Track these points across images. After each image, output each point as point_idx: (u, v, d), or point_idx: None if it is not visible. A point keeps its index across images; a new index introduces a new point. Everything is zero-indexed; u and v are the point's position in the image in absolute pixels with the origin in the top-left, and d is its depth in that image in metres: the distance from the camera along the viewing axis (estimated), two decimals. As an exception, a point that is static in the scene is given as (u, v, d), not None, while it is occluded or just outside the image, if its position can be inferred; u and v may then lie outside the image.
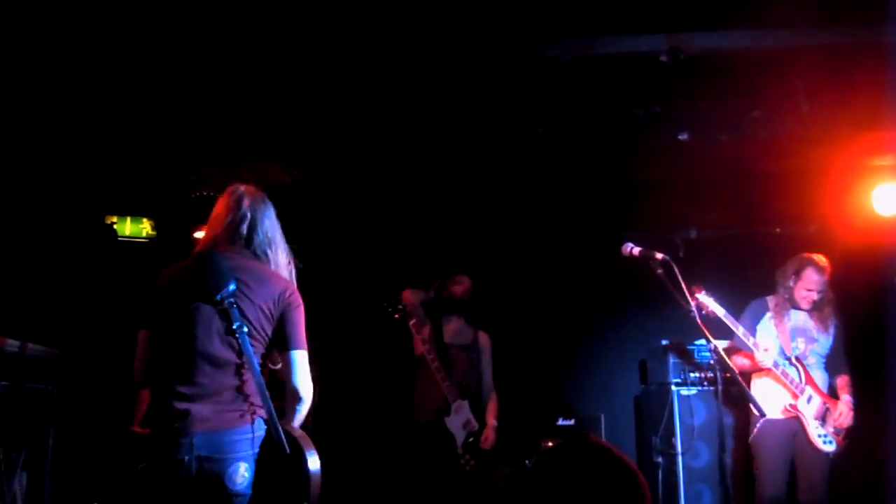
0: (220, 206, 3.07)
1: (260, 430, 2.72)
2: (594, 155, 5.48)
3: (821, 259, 4.72)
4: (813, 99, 4.61)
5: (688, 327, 4.51)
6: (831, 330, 4.78)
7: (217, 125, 5.09)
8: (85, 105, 4.77)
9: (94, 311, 5.68)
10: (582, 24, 4.13)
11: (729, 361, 4.10)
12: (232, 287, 2.78)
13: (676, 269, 3.76)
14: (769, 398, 4.55)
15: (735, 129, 4.99)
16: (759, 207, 6.03)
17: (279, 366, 2.98)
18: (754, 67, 4.36)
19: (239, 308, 2.78)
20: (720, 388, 4.04)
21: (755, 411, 4.33)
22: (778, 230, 6.37)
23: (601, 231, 6.39)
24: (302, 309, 2.97)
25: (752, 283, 5.35)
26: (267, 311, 2.85)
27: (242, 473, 2.63)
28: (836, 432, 4.60)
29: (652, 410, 6.14)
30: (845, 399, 4.70)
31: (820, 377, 4.73)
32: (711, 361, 3.91)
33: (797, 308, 4.75)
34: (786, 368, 4.57)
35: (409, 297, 5.31)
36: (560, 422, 6.12)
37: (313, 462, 2.74)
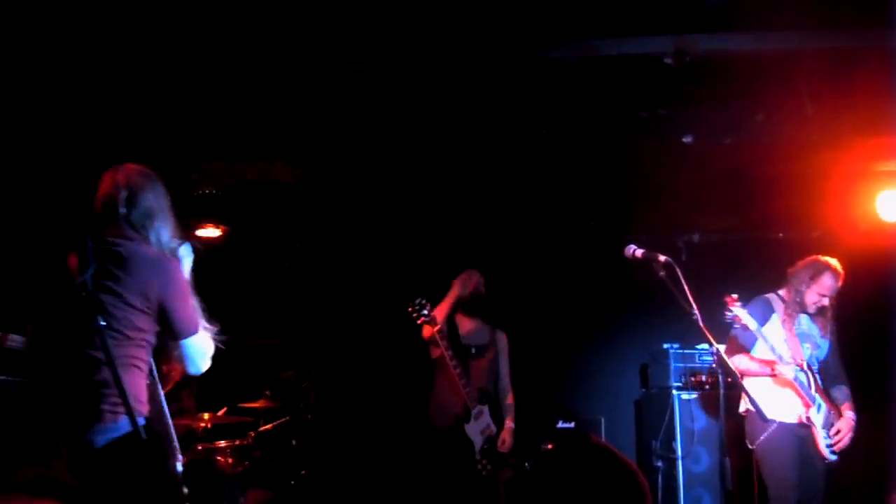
0: (101, 186, 2.95)
1: (126, 428, 2.64)
2: (597, 157, 5.46)
3: (838, 265, 4.65)
4: (817, 103, 4.59)
5: (690, 331, 4.49)
6: (829, 336, 4.73)
7: (219, 123, 5.09)
8: (87, 104, 4.76)
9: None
10: (586, 25, 4.12)
11: (731, 364, 4.07)
12: (90, 275, 2.68)
13: (679, 272, 3.73)
14: (777, 402, 4.46)
15: (739, 132, 4.97)
16: (762, 212, 6.02)
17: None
18: (758, 70, 4.34)
19: (100, 300, 2.67)
20: (722, 391, 4.02)
21: (758, 416, 4.27)
22: (781, 235, 6.36)
23: (604, 234, 6.38)
24: (181, 291, 2.84)
25: (754, 287, 5.30)
26: (137, 304, 2.72)
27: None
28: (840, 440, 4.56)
29: (652, 414, 6.13)
30: (848, 417, 4.61)
31: (821, 380, 4.69)
32: (713, 365, 3.86)
33: (804, 311, 4.68)
34: (798, 375, 4.52)
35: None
36: (560, 424, 6.11)
37: (175, 463, 2.79)
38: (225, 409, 5.34)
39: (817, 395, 4.53)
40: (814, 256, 4.72)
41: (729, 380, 4.08)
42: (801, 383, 4.48)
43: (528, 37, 4.20)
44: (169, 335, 2.84)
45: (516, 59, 4.32)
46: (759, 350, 4.61)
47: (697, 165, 5.34)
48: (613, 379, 6.68)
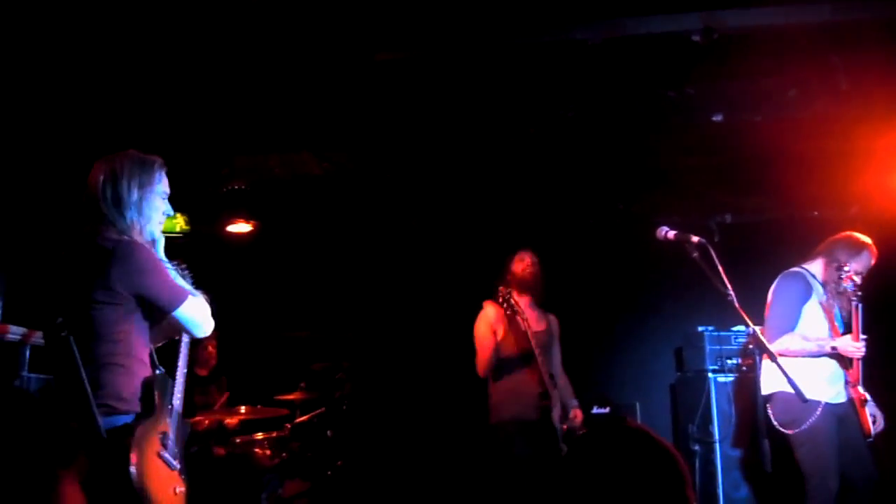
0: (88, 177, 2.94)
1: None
2: (626, 139, 5.40)
3: (872, 244, 4.56)
4: (851, 76, 4.49)
5: (724, 313, 4.41)
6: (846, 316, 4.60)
7: (247, 118, 5.11)
8: (117, 101, 4.81)
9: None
10: (611, 4, 4.06)
11: (782, 346, 3.97)
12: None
13: (713, 253, 3.68)
14: (818, 382, 4.29)
15: (771, 109, 4.88)
16: (797, 190, 5.90)
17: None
18: (790, 45, 4.24)
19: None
20: (759, 373, 3.94)
21: (817, 396, 4.14)
22: (816, 213, 6.25)
23: (634, 217, 6.32)
24: (150, 269, 2.74)
25: (789, 267, 5.23)
26: (100, 299, 2.67)
27: None
28: (873, 413, 4.43)
29: (688, 398, 6.07)
30: (871, 403, 4.44)
31: None
32: (750, 346, 3.78)
33: (837, 285, 4.53)
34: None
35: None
36: (595, 410, 6.07)
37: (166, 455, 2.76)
38: (248, 407, 5.35)
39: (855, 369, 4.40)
40: (847, 234, 4.58)
41: (766, 359, 3.99)
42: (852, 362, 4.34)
43: (552, 19, 4.16)
44: (159, 312, 2.81)
45: (541, 42, 4.28)
46: (805, 327, 4.44)
47: (728, 145, 5.26)
48: (648, 363, 6.63)
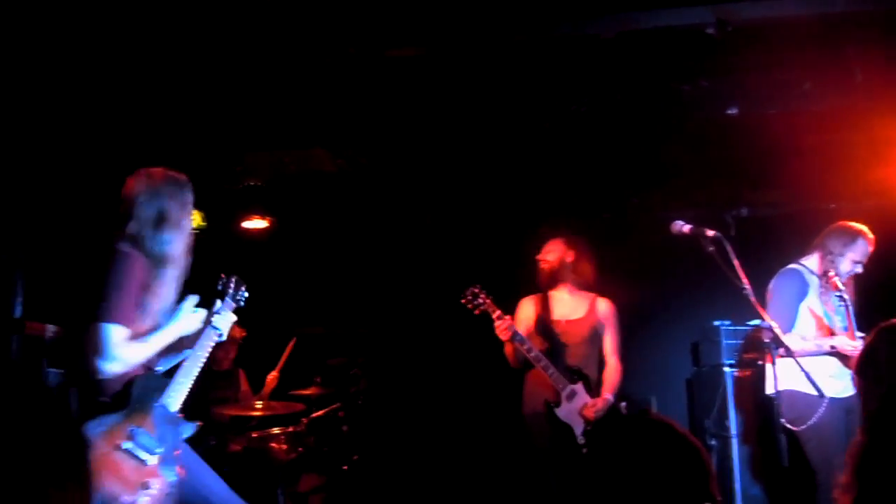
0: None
1: None
2: (640, 133, 5.38)
3: (867, 230, 4.53)
4: (867, 68, 4.46)
5: (741, 308, 4.39)
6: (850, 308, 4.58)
7: (261, 115, 5.14)
8: (132, 98, 4.84)
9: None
10: (624, -2, 4.06)
11: (785, 340, 3.97)
12: None
13: (729, 247, 3.66)
14: (824, 378, 4.30)
15: (786, 102, 4.85)
16: (813, 183, 5.86)
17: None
18: (805, 37, 4.21)
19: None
20: (776, 368, 3.93)
21: (815, 393, 4.15)
22: (833, 206, 6.18)
23: (649, 211, 6.29)
24: (113, 278, 2.87)
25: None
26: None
27: None
28: None
29: (704, 393, 6.05)
30: None
31: None
32: (766, 340, 3.77)
33: (835, 278, 4.51)
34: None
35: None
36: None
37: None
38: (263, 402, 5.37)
39: None
40: (841, 223, 4.56)
41: (783, 354, 3.97)
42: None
43: (565, 13, 4.15)
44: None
45: (554, 36, 4.27)
46: (803, 326, 4.46)
47: (743, 138, 5.23)
48: (664, 358, 6.59)
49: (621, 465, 1.72)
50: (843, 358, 4.36)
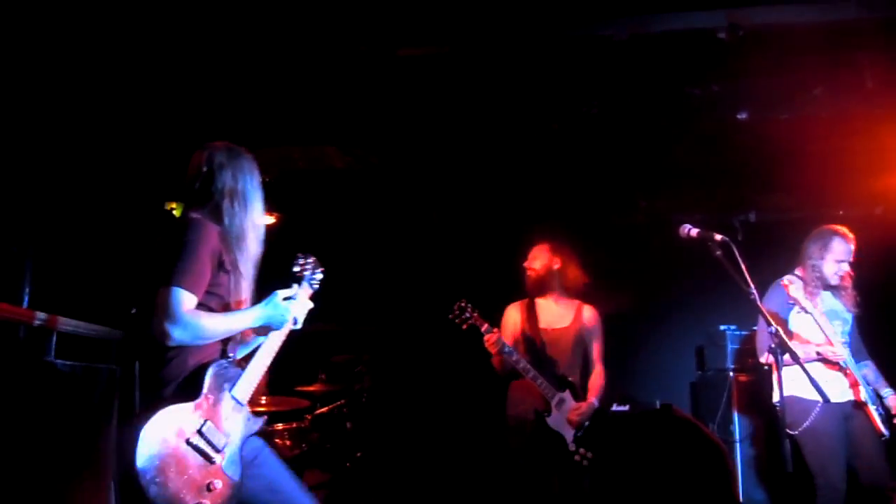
0: (189, 164, 2.97)
1: None
2: (650, 136, 5.38)
3: (845, 230, 4.55)
4: (877, 75, 4.46)
5: (746, 312, 4.40)
6: (854, 310, 4.60)
7: (271, 111, 5.15)
8: (142, 93, 4.86)
9: (154, 294, 5.80)
10: (637, 1, 4.05)
11: (791, 346, 3.97)
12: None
13: (736, 250, 3.66)
14: (825, 382, 4.33)
15: (796, 107, 4.85)
16: (822, 189, 5.86)
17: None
18: (816, 43, 4.22)
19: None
20: (781, 372, 3.93)
21: (815, 395, 4.17)
22: (841, 212, 6.18)
23: (657, 214, 6.29)
24: (183, 243, 2.69)
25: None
26: None
27: None
28: (882, 413, 4.45)
29: (709, 397, 6.05)
30: (865, 364, 4.56)
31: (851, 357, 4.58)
32: (772, 345, 3.77)
33: (827, 285, 4.56)
34: (848, 362, 4.42)
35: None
36: (615, 408, 6.05)
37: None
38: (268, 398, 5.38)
39: (857, 372, 4.42)
40: (816, 229, 4.60)
41: (788, 360, 3.98)
42: (850, 366, 4.37)
43: (577, 15, 4.16)
44: (208, 293, 2.77)
45: (566, 38, 4.27)
46: (800, 327, 4.47)
47: (753, 142, 5.23)
48: (669, 361, 6.60)
49: (644, 460, 1.67)
50: (830, 364, 4.41)
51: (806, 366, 4.26)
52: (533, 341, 4.84)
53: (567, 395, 4.74)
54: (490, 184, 6.16)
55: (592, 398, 4.80)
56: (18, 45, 4.22)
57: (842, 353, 4.36)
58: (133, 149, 5.46)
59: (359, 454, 5.39)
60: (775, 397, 3.93)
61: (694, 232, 3.81)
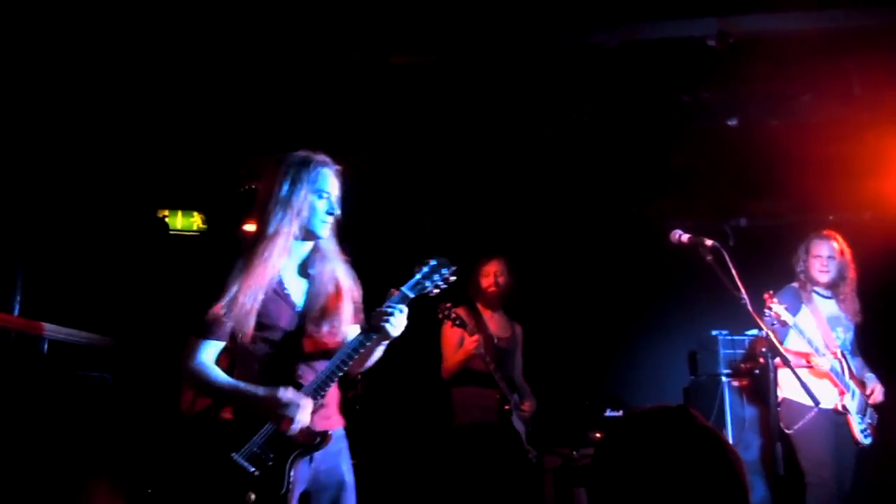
0: None
1: None
2: (641, 142, 5.41)
3: (826, 232, 4.70)
4: (865, 81, 4.50)
5: (738, 318, 4.42)
6: (856, 318, 4.67)
7: (264, 119, 5.16)
8: (136, 101, 4.87)
9: (147, 302, 5.80)
10: (627, 8, 4.08)
11: (783, 350, 4.01)
12: None
13: (727, 256, 3.69)
14: (813, 390, 4.41)
15: (785, 113, 4.90)
16: (812, 194, 5.90)
17: None
18: (804, 50, 4.26)
19: None
20: (773, 375, 3.96)
21: (810, 399, 4.22)
22: (831, 218, 6.22)
23: (649, 220, 6.32)
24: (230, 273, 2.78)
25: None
26: None
27: None
28: (872, 424, 4.54)
29: (702, 402, 6.06)
30: (871, 376, 4.66)
31: (854, 365, 4.65)
32: (763, 349, 3.80)
33: (816, 285, 4.64)
34: (834, 368, 4.49)
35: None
36: (608, 413, 6.07)
37: None
38: None
39: (851, 382, 4.51)
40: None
41: (778, 363, 4.01)
42: (835, 372, 4.46)
43: (568, 22, 4.19)
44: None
45: (557, 45, 4.30)
46: (793, 341, 4.58)
47: (743, 148, 5.27)
48: (661, 367, 6.62)
49: (653, 455, 1.59)
50: (837, 374, 4.51)
51: (800, 370, 4.37)
52: (489, 346, 4.96)
53: (516, 396, 4.98)
54: (483, 190, 6.18)
55: (532, 399, 5.08)
56: (12, 54, 4.22)
57: (821, 363, 4.43)
58: (126, 156, 5.46)
59: (354, 461, 5.38)
60: (771, 399, 3.98)
61: (685, 237, 3.84)
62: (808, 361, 4.45)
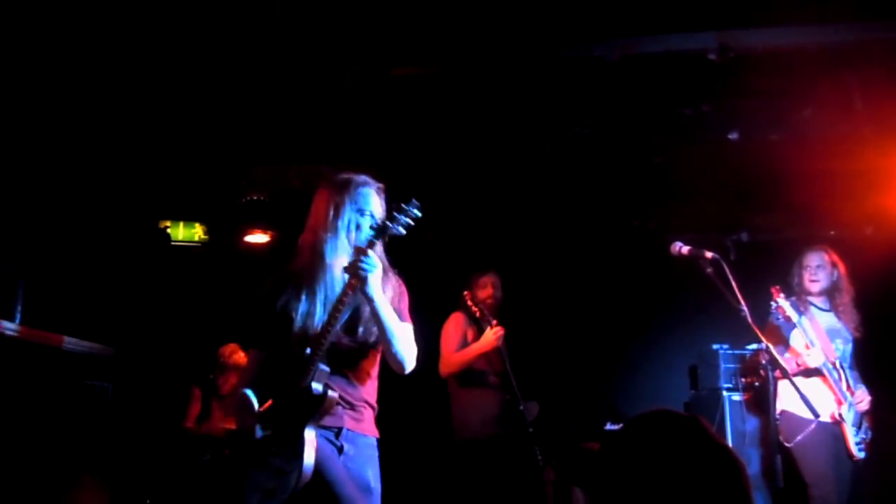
0: None
1: None
2: (642, 156, 5.42)
3: (819, 246, 4.77)
4: (867, 96, 4.51)
5: (739, 331, 4.43)
6: (856, 332, 4.69)
7: (266, 130, 5.17)
8: (138, 112, 4.88)
9: (149, 312, 5.81)
10: (629, 22, 4.10)
11: (783, 362, 4.02)
12: None
13: (727, 268, 3.69)
14: (813, 401, 4.42)
15: (786, 128, 4.90)
16: (812, 209, 5.90)
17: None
18: (806, 64, 4.27)
19: None
20: (773, 388, 3.96)
21: (809, 412, 4.22)
22: (832, 233, 6.22)
23: (649, 234, 6.32)
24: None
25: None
26: None
27: None
28: (866, 439, 4.54)
29: (703, 417, 6.03)
30: (862, 386, 4.66)
31: (851, 377, 4.65)
32: (763, 361, 3.80)
33: (810, 296, 4.68)
34: (830, 372, 4.49)
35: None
36: (608, 426, 6.05)
37: None
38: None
39: (848, 393, 4.50)
40: None
41: (778, 375, 4.02)
42: (833, 380, 4.45)
43: (569, 36, 4.20)
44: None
45: (559, 58, 4.32)
46: (796, 341, 4.57)
47: (744, 163, 5.27)
48: (662, 380, 6.60)
49: (657, 461, 1.58)
50: (836, 382, 4.50)
51: (801, 381, 4.39)
52: (495, 352, 4.96)
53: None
54: (483, 202, 6.18)
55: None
56: (15, 64, 4.25)
57: (812, 357, 4.43)
58: (128, 167, 5.47)
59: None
60: (771, 412, 4.00)
61: (685, 249, 3.85)
62: (798, 361, 4.43)
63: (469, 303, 4.99)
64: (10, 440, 3.78)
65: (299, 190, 6.00)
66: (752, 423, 5.68)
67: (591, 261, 6.66)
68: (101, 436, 4.53)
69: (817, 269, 4.68)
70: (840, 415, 4.46)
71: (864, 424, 4.59)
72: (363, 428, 2.92)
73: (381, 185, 3.10)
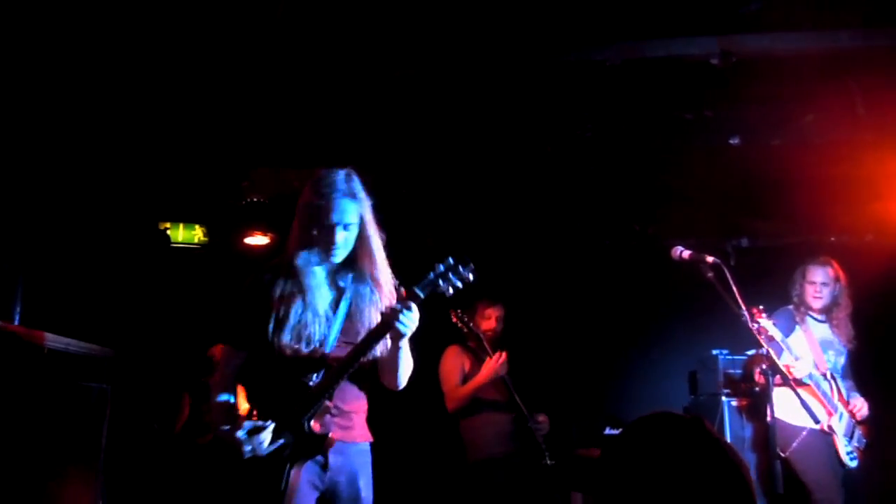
0: None
1: None
2: (643, 160, 5.42)
3: (823, 258, 4.76)
4: (869, 102, 4.51)
5: (739, 336, 4.42)
6: (850, 344, 4.70)
7: (266, 132, 5.17)
8: (138, 113, 4.88)
9: (148, 314, 5.80)
10: (631, 26, 4.10)
11: (782, 367, 4.01)
12: None
13: (728, 273, 3.69)
14: (803, 410, 4.41)
15: (788, 133, 4.90)
16: (813, 215, 5.89)
17: None
18: (808, 70, 4.27)
19: None
20: (772, 394, 3.94)
21: (799, 420, 4.22)
22: (833, 239, 6.22)
23: (650, 239, 6.31)
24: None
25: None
26: None
27: None
28: (859, 447, 4.55)
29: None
30: (857, 395, 4.70)
31: (844, 387, 4.67)
32: (763, 367, 3.79)
33: (810, 310, 4.67)
34: (820, 383, 4.50)
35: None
36: (607, 431, 6.04)
37: None
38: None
39: (839, 404, 4.51)
40: None
41: (778, 381, 4.00)
42: (823, 392, 4.47)
43: (572, 39, 4.20)
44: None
45: (560, 62, 4.32)
46: (784, 355, 4.56)
47: (745, 168, 5.27)
48: (661, 386, 6.59)
49: (660, 464, 1.57)
50: (825, 395, 4.57)
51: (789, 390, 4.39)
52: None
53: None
54: (484, 206, 6.18)
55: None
56: (15, 64, 4.24)
57: (800, 368, 4.43)
58: (127, 168, 5.47)
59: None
60: (767, 417, 3.99)
61: (686, 254, 3.85)
62: (789, 371, 4.43)
63: (457, 322, 4.95)
64: (10, 440, 3.77)
65: (299, 192, 5.99)
66: (751, 429, 5.67)
67: (592, 265, 6.65)
68: (100, 437, 4.51)
69: (822, 287, 4.70)
70: (830, 426, 4.47)
71: (858, 433, 4.59)
72: (353, 436, 2.86)
73: (352, 175, 3.05)
